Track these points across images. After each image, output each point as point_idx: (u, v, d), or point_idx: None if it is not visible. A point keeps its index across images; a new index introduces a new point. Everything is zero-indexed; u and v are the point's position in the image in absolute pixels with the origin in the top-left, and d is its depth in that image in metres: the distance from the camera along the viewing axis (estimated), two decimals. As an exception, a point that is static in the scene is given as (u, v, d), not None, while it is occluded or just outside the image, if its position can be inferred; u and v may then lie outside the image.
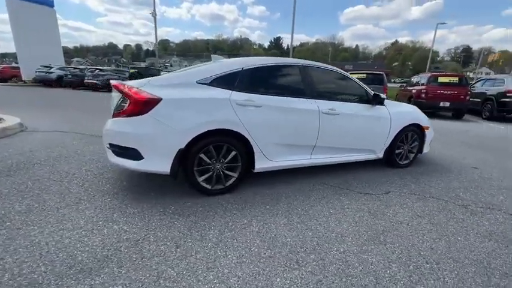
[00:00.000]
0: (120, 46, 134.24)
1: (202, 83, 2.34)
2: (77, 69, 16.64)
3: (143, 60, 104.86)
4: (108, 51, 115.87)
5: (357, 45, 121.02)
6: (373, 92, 3.10)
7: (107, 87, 14.84)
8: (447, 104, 9.03)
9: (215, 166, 2.39)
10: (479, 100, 9.89)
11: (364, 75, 9.77)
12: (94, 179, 2.73)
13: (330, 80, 3.04)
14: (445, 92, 9.07)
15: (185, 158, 2.24)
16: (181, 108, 2.20)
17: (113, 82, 2.41)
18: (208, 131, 2.24)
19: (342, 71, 3.09)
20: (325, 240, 1.87)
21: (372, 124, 3.10)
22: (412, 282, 1.52)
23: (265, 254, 1.70)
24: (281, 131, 2.58)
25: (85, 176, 2.79)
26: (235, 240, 1.83)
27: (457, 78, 9.38)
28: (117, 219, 2.01)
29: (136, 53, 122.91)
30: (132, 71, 15.01)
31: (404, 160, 3.51)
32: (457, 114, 9.63)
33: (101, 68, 16.10)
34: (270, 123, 2.49)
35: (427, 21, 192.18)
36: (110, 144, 2.27)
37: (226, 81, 2.41)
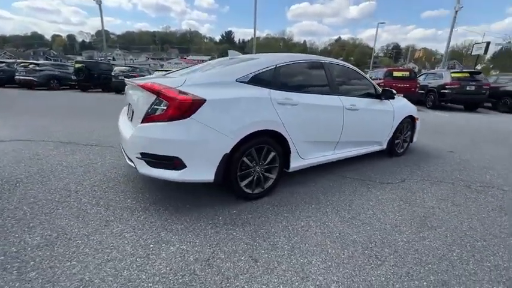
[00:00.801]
0: (47, 36, 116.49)
1: (241, 82, 2.17)
2: (3, 64, 13.89)
3: (79, 53, 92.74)
4: (32, 42, 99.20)
5: (304, 41, 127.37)
6: (381, 88, 3.30)
7: (47, 85, 12.79)
8: (401, 95, 10.18)
9: (255, 169, 2.27)
10: (423, 92, 11.40)
11: None
12: (107, 194, 2.34)
13: (347, 76, 3.13)
14: (399, 85, 10.20)
15: (229, 163, 2.08)
16: (226, 109, 2.01)
17: (138, 81, 2.08)
18: (252, 133, 2.11)
19: (355, 68, 3.22)
20: (386, 233, 1.94)
21: (381, 117, 3.32)
22: (478, 260, 1.69)
23: (343, 254, 1.69)
24: (313, 128, 2.57)
25: (93, 192, 2.37)
26: (306, 245, 1.77)
27: (408, 73, 10.64)
28: (168, 238, 1.76)
29: (70, 44, 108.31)
30: (78, 65, 13.12)
31: (400, 149, 3.85)
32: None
33: (36, 62, 13.71)
34: (304, 122, 2.46)
35: (364, 20, 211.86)
36: (142, 154, 1.96)
37: (262, 79, 2.28)
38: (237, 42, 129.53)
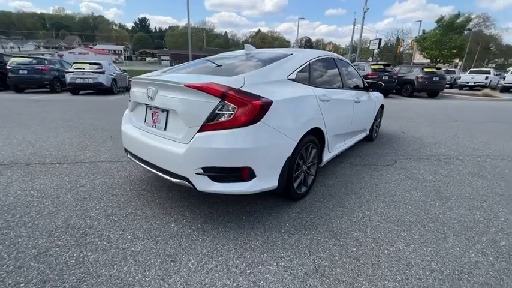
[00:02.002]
0: None
1: (290, 79, 2.05)
2: None
3: None
4: None
5: (225, 32, 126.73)
6: (370, 81, 3.68)
7: None
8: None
9: (303, 169, 2.23)
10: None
11: None
12: (135, 222, 1.88)
13: (348, 71, 3.33)
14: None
15: (289, 166, 1.97)
16: (288, 109, 1.88)
17: (179, 80, 1.69)
18: (307, 132, 2.04)
19: (350, 63, 3.46)
20: (426, 209, 2.23)
21: (370, 107, 3.71)
22: (494, 216, 2.15)
23: (415, 234, 1.87)
24: (338, 122, 2.68)
25: (113, 223, 1.87)
26: (380, 233, 1.87)
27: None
28: (257, 258, 1.57)
29: None
30: None
31: (374, 134, 4.41)
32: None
33: None
34: (334, 116, 2.54)
35: (278, 14, 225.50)
36: (204, 168, 1.64)
37: (303, 76, 2.22)
38: (153, 30, 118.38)
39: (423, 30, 28.06)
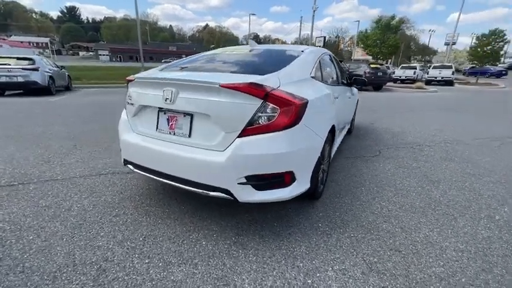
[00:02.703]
0: None
1: (312, 77, 2.00)
2: None
3: None
4: None
5: (170, 26, 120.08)
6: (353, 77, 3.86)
7: None
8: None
9: (323, 166, 2.22)
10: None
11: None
12: (158, 246, 1.62)
13: (339, 66, 3.42)
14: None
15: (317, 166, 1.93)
16: (318, 108, 1.83)
17: (223, 81, 1.47)
18: (329, 130, 2.03)
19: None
20: (428, 195, 2.45)
21: (354, 102, 3.91)
22: (481, 188, 2.49)
23: (438, 222, 2.04)
24: (340, 117, 2.75)
25: (132, 251, 1.58)
26: (410, 223, 1.99)
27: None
28: (312, 265, 1.51)
29: None
30: None
31: (352, 127, 4.69)
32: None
33: None
34: (340, 113, 2.59)
35: (225, 9, 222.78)
36: (248, 177, 1.49)
37: (318, 73, 2.19)
38: (85, 21, 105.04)
39: (366, 30, 31.15)
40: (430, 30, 71.91)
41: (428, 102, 9.81)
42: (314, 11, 19.36)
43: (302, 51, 2.27)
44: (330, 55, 2.96)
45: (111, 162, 2.94)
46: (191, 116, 1.64)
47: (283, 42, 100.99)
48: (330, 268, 1.50)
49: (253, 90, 1.46)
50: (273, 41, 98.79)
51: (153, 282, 1.36)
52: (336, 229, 1.87)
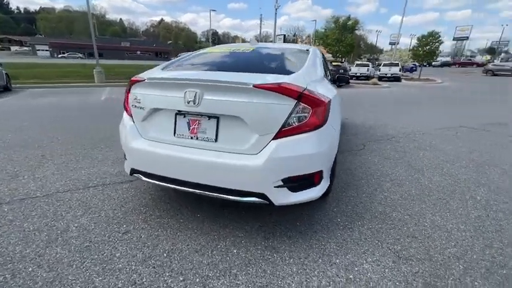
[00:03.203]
0: None
1: (323, 76, 2.02)
2: None
3: None
4: None
5: (121, 20, 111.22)
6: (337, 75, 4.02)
7: None
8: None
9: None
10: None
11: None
12: (188, 260, 1.50)
13: (326, 64, 3.52)
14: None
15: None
16: (335, 106, 1.88)
17: (256, 81, 1.39)
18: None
19: (324, 58, 3.67)
20: (420, 182, 2.70)
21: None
22: (461, 174, 2.82)
23: (445, 206, 2.25)
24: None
25: (155, 272, 1.44)
26: (422, 209, 2.17)
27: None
28: (345, 261, 1.55)
29: None
30: None
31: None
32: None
33: None
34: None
35: (180, 3, 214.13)
36: (284, 180, 1.45)
37: (323, 72, 2.23)
38: (15, 11, 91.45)
39: (324, 29, 32.59)
40: (377, 31, 78.61)
41: (385, 97, 10.75)
42: (276, 9, 19.75)
43: (307, 50, 2.29)
44: (322, 54, 3.04)
45: (97, 172, 2.63)
46: (217, 118, 1.54)
47: (243, 40, 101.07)
48: (364, 261, 1.56)
49: (288, 90, 1.43)
50: (233, 38, 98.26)
51: (197, 301, 1.26)
52: (355, 222, 1.95)
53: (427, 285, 1.40)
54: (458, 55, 71.06)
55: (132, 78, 1.75)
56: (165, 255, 1.54)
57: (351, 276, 1.44)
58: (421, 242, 1.76)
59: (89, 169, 2.69)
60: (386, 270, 1.50)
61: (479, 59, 62.66)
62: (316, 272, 1.46)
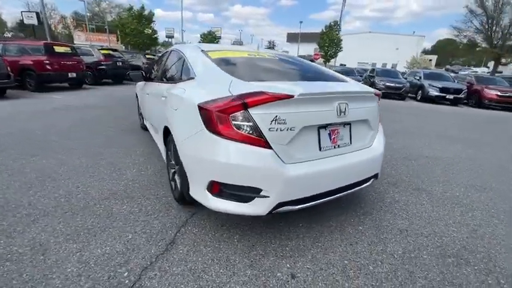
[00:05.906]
0: None
1: None
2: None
3: None
4: None
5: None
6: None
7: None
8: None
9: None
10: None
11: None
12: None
13: None
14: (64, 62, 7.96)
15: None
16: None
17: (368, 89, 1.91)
18: None
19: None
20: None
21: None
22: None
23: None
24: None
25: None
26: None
27: (69, 48, 8.59)
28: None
29: None
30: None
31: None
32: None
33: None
34: None
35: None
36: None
37: None
38: None
39: (119, 17, 28.60)
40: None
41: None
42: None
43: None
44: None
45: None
46: (349, 124, 1.71)
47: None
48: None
49: (379, 94, 1.92)
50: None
51: None
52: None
53: None
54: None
55: (274, 95, 1.39)
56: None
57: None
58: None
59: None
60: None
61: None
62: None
